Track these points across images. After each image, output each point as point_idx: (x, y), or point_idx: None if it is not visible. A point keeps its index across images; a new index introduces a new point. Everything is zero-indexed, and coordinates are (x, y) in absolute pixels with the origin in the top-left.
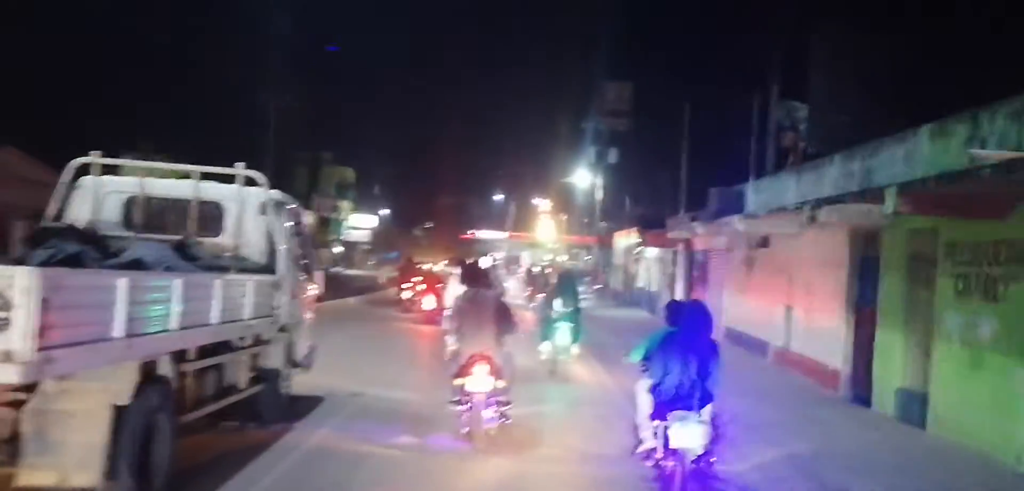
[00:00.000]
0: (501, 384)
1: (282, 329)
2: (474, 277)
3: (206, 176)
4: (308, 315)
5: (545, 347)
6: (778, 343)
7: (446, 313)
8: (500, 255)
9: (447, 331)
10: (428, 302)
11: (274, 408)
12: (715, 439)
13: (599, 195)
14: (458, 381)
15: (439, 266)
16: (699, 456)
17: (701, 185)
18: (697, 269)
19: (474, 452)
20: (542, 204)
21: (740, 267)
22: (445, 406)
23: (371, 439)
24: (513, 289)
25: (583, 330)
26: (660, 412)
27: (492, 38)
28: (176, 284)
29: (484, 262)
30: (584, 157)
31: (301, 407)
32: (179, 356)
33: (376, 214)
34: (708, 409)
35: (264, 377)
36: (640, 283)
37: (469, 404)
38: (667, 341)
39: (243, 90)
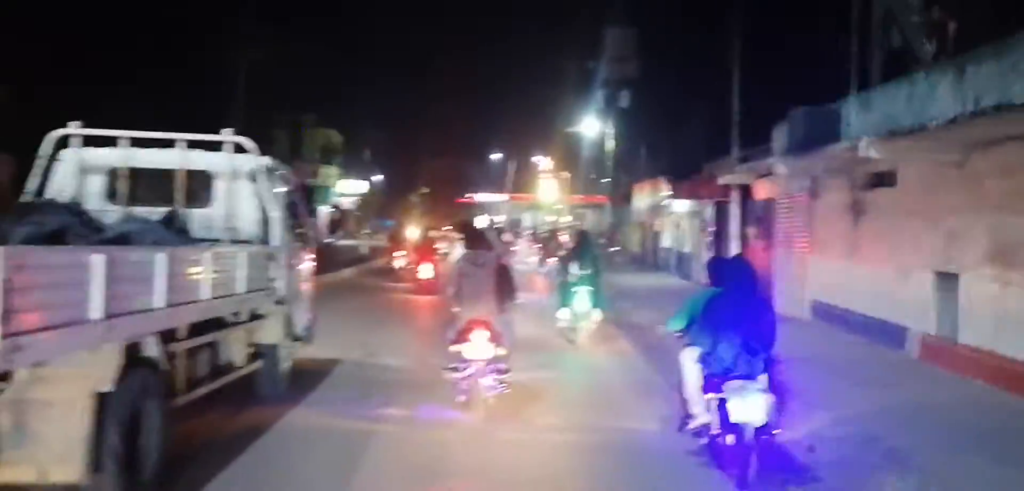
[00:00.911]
0: (501, 351)
1: (279, 302)
2: (474, 239)
3: (193, 144)
4: (307, 286)
5: (563, 314)
6: (927, 329)
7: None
8: (500, 218)
9: (448, 298)
10: (425, 270)
11: (274, 384)
12: (779, 409)
13: (610, 146)
14: (455, 347)
15: (434, 232)
16: (760, 428)
17: (754, 119)
18: (757, 223)
19: (473, 422)
20: (544, 162)
21: (838, 217)
22: (441, 373)
23: (367, 413)
24: (522, 252)
25: (603, 296)
26: (713, 384)
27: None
28: (160, 259)
29: (480, 222)
30: (591, 104)
31: (299, 382)
32: (167, 336)
33: (367, 180)
34: (764, 377)
35: (262, 353)
36: (665, 244)
37: (467, 371)
38: (714, 304)
39: (211, 45)
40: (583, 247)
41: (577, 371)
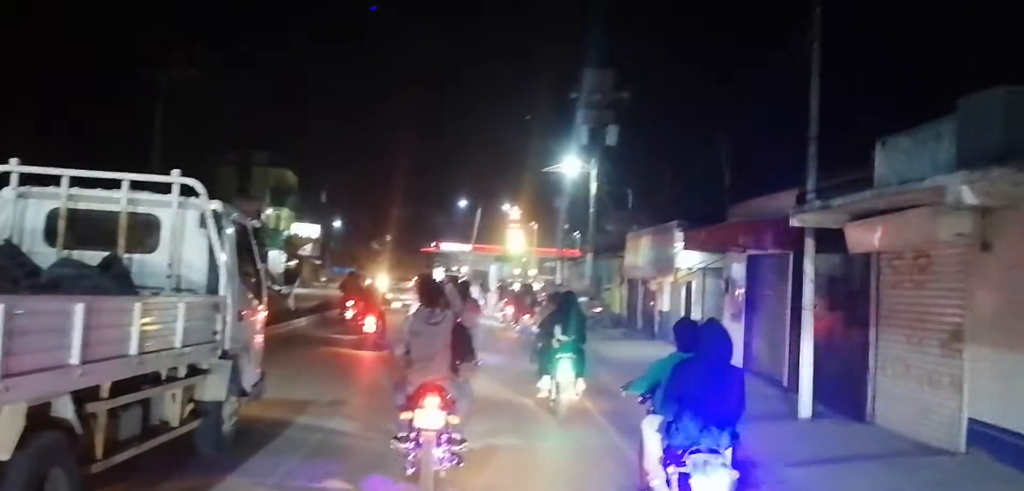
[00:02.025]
0: (454, 420)
1: (225, 355)
2: (429, 294)
3: (138, 185)
4: (257, 339)
5: (544, 382)
6: None
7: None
8: (465, 270)
9: (397, 357)
10: (369, 324)
11: (216, 445)
12: (742, 488)
13: (594, 190)
14: (405, 414)
15: (383, 282)
16: None
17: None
18: (838, 286)
19: None
20: (512, 212)
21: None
22: (389, 441)
23: (306, 486)
24: (490, 308)
25: (587, 363)
26: (675, 456)
27: (455, 35)
28: (76, 309)
29: (437, 275)
30: (573, 141)
31: (238, 445)
32: (85, 395)
33: (323, 223)
34: (729, 452)
35: (204, 411)
36: (664, 306)
37: (416, 442)
38: (683, 371)
39: (144, 74)
40: (567, 309)
41: (541, 440)
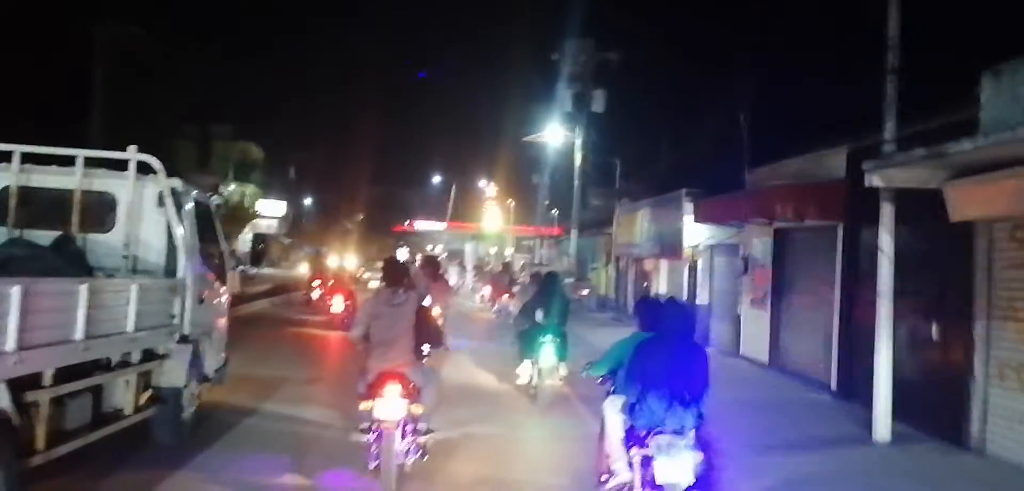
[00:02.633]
0: (418, 409)
1: (185, 339)
2: (392, 274)
3: (93, 163)
4: (221, 322)
5: (524, 368)
6: None
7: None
8: (439, 248)
9: (355, 341)
10: (337, 303)
11: (174, 432)
12: (707, 469)
13: (579, 162)
14: (365, 404)
15: (351, 261)
16: (687, 489)
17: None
18: (911, 267)
19: None
20: (489, 188)
21: None
22: (351, 433)
23: (260, 481)
24: (466, 289)
25: (570, 347)
26: (637, 438)
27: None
28: (11, 293)
29: (401, 254)
30: (555, 109)
31: (198, 432)
32: (25, 383)
33: (291, 201)
34: (693, 433)
35: (162, 398)
36: (662, 289)
37: (378, 433)
38: (645, 351)
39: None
40: (550, 291)
41: (517, 428)
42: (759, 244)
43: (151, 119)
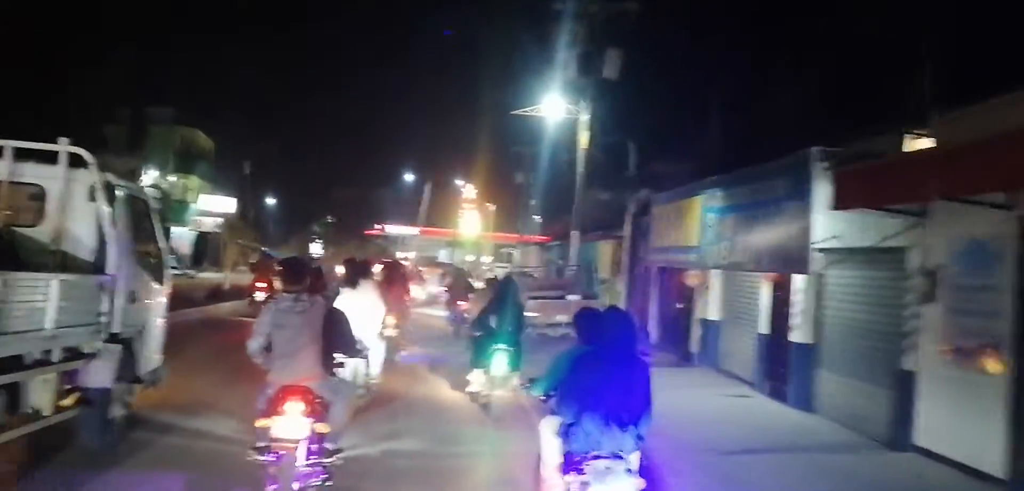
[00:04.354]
0: (324, 428)
1: (115, 339)
2: (294, 277)
3: (21, 153)
4: (157, 321)
5: (475, 376)
6: None
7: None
8: (411, 254)
9: (251, 353)
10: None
11: (100, 434)
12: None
13: (583, 144)
14: (263, 422)
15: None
16: None
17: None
18: None
19: None
20: (467, 190)
21: None
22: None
23: None
24: (425, 294)
25: (524, 356)
26: (574, 463)
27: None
28: None
29: (316, 252)
30: (553, 78)
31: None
32: None
33: (238, 198)
34: (637, 455)
35: (88, 399)
36: (712, 313)
37: (277, 454)
38: (581, 366)
39: None
40: (504, 297)
41: (453, 443)
42: (966, 246)
43: (78, 97)
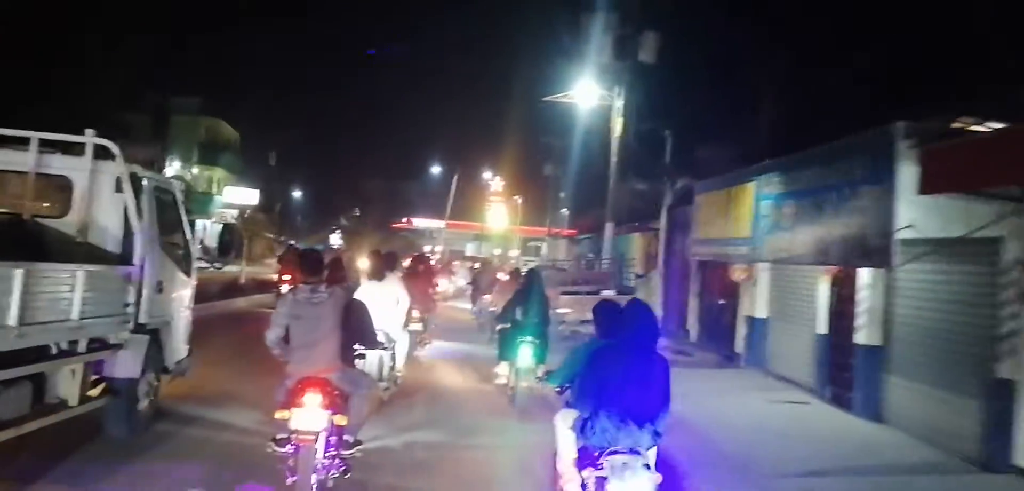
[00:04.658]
0: (342, 420)
1: (142, 329)
2: (312, 268)
3: (47, 144)
4: (184, 313)
5: (503, 368)
6: None
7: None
8: (438, 248)
9: (270, 345)
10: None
11: (127, 425)
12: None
13: (617, 131)
14: (281, 414)
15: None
16: None
17: None
18: None
19: None
20: (494, 182)
21: None
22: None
23: (162, 488)
24: (450, 285)
25: (550, 349)
26: (590, 458)
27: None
28: None
29: (335, 243)
30: (585, 63)
31: (84, 438)
32: None
33: (260, 189)
34: (654, 450)
35: (114, 389)
36: (760, 310)
37: (296, 446)
38: (599, 360)
39: None
40: (529, 290)
41: (475, 435)
42: None
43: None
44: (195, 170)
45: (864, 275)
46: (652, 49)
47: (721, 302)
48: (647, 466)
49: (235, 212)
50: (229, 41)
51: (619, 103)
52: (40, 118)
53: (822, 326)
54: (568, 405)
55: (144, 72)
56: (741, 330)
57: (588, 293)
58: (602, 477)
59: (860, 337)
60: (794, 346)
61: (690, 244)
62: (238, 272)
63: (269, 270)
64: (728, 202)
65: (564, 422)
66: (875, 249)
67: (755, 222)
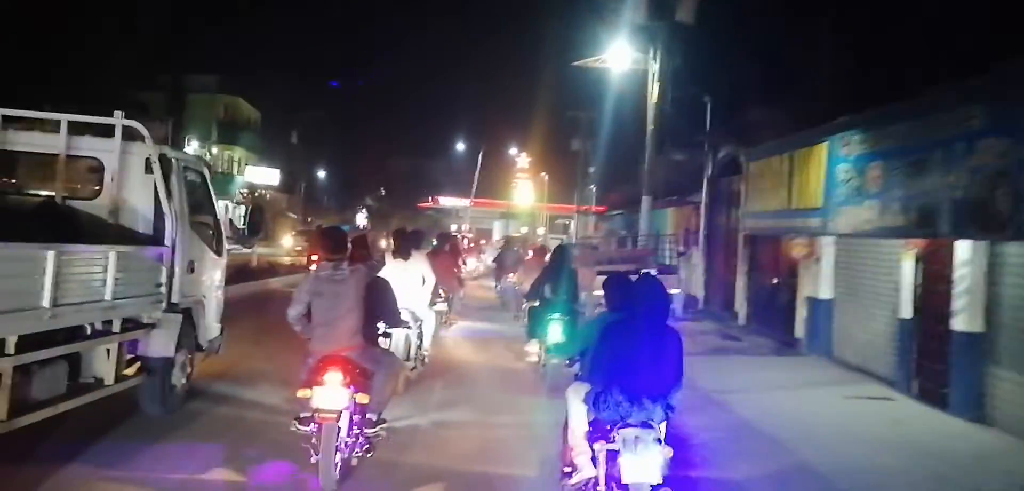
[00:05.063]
0: (364, 398)
1: (175, 309)
2: (331, 245)
3: (76, 126)
4: (216, 292)
5: (533, 346)
6: None
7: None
8: (465, 226)
9: (292, 321)
10: None
11: (162, 403)
12: (673, 465)
13: (653, 98)
14: (303, 392)
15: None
16: (653, 487)
17: None
18: None
19: None
20: (520, 159)
21: None
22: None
23: (179, 476)
24: (491, 264)
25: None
26: (602, 430)
27: None
28: None
29: (360, 222)
30: (618, 24)
31: (111, 418)
32: None
33: (280, 169)
34: (663, 426)
35: (149, 368)
36: (825, 291)
37: (318, 424)
38: (612, 334)
39: None
40: (559, 267)
41: (500, 413)
42: None
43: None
44: (215, 150)
45: (962, 249)
46: (690, 7)
47: (775, 282)
48: (658, 440)
49: (245, 191)
50: (248, 18)
51: (655, 67)
52: (54, 98)
53: (906, 309)
54: (578, 378)
55: (162, 51)
56: (801, 313)
57: (628, 273)
58: (614, 450)
59: (957, 322)
60: (867, 331)
61: (738, 218)
62: (250, 255)
63: (283, 252)
64: (789, 168)
65: (576, 395)
66: (1004, 217)
67: (828, 189)
